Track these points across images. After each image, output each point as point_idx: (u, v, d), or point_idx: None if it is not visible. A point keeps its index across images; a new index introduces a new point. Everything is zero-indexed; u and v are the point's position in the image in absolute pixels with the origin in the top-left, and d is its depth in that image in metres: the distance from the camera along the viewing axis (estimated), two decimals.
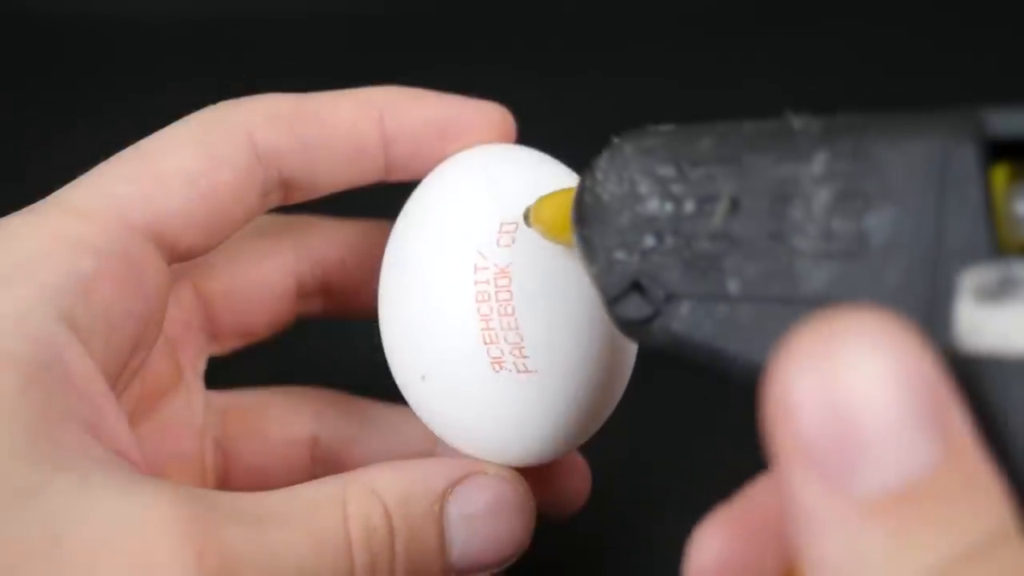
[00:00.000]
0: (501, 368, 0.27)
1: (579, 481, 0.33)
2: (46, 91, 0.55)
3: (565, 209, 0.25)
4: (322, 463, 0.34)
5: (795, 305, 0.20)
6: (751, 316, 0.21)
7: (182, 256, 0.29)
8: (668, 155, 0.23)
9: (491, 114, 0.31)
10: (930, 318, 0.18)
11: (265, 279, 0.33)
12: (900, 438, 0.17)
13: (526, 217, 0.28)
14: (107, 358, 0.27)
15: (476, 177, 0.29)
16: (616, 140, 0.24)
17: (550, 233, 0.27)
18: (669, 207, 0.23)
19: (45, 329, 0.25)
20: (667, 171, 0.23)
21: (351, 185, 0.31)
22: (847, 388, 0.17)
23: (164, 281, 0.29)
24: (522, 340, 0.27)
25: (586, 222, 0.24)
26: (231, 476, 0.33)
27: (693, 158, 0.22)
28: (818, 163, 0.20)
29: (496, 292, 0.27)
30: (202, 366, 0.34)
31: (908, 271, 0.19)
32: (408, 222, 0.30)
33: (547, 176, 0.29)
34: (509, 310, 0.27)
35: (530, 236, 0.27)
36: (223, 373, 0.34)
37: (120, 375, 0.28)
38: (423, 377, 0.28)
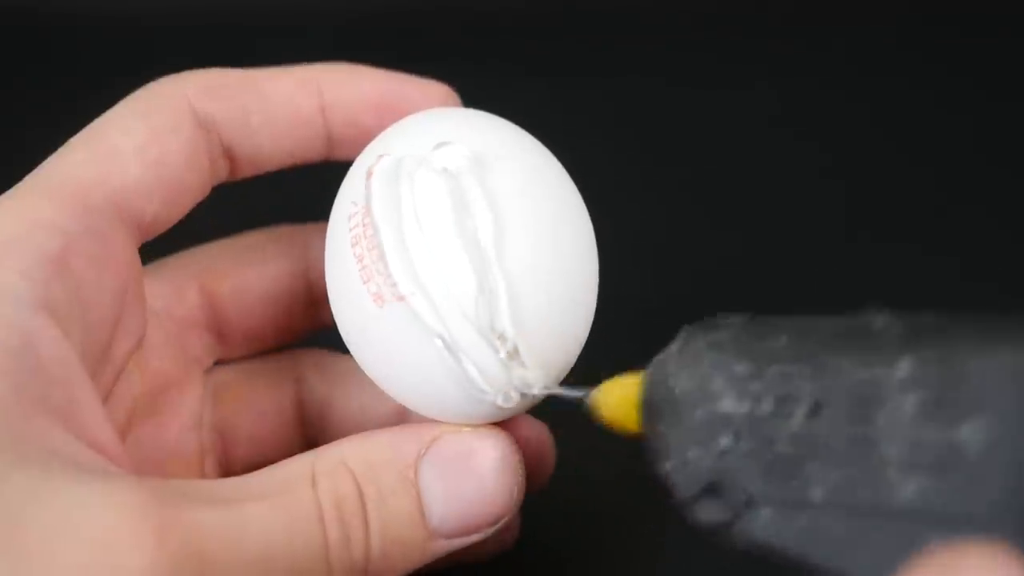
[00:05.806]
0: (383, 302, 0.27)
1: (536, 455, 0.30)
2: (41, 91, 0.56)
3: (631, 398, 0.25)
4: (311, 426, 0.34)
5: (884, 516, 0.20)
6: (836, 525, 0.20)
7: (149, 229, 0.30)
8: (742, 351, 0.22)
9: (434, 91, 0.32)
10: None
11: (273, 282, 0.34)
12: None
13: (590, 404, 0.27)
14: (86, 338, 0.27)
15: (383, 133, 0.30)
16: (685, 332, 0.24)
17: (616, 423, 0.26)
18: (745, 406, 0.22)
19: (15, 316, 0.25)
20: (742, 369, 0.22)
21: (296, 159, 0.32)
22: None
23: (133, 256, 0.29)
24: (387, 268, 0.27)
25: (657, 417, 0.24)
26: (231, 458, 0.33)
27: (769, 356, 0.22)
28: (903, 369, 0.20)
29: (364, 231, 0.27)
30: (209, 365, 0.34)
31: (1009, 486, 0.18)
32: None
33: (436, 121, 0.29)
34: (374, 243, 0.27)
35: (386, 169, 0.27)
36: None
37: (104, 356, 0.28)
38: (346, 337, 0.28)
